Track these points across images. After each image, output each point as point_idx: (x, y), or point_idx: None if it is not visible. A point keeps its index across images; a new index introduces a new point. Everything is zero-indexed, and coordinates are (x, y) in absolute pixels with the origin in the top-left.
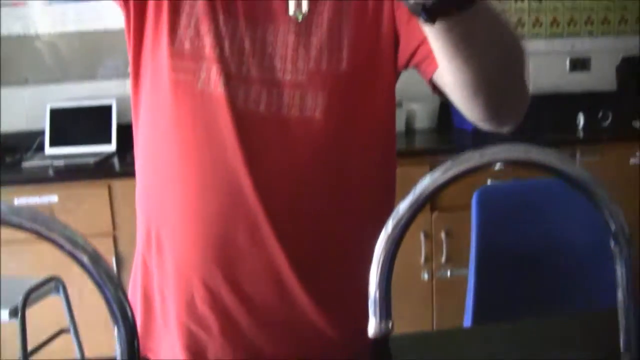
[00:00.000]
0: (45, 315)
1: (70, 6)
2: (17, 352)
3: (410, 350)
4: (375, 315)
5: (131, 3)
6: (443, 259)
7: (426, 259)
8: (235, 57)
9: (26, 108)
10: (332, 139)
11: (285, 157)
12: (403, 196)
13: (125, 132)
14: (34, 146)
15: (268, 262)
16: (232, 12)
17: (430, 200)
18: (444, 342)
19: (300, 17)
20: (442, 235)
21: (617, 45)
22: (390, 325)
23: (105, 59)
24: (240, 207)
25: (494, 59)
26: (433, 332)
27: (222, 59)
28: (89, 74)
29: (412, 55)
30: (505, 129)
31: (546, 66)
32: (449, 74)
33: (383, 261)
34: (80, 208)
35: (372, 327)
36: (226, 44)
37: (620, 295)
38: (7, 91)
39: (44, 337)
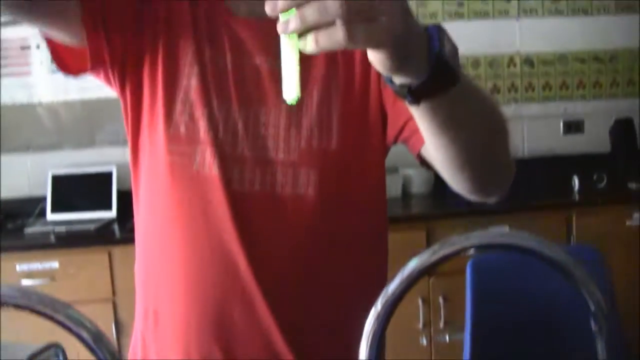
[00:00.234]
0: None
1: None
2: None
3: None
4: None
5: (127, 93)
6: (441, 323)
7: (424, 324)
8: (229, 139)
9: (28, 174)
10: (324, 214)
11: (280, 234)
12: (397, 264)
13: (126, 199)
14: (36, 212)
15: (264, 337)
16: (225, 96)
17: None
18: None
19: (293, 102)
20: (440, 300)
21: (609, 108)
22: None
23: (106, 126)
24: (236, 285)
25: (478, 134)
26: None
27: (216, 142)
28: (89, 141)
29: (400, 132)
30: (492, 200)
31: (540, 129)
32: (436, 151)
33: (372, 338)
34: (81, 274)
35: None
36: (220, 127)
37: None
38: (9, 158)
39: None
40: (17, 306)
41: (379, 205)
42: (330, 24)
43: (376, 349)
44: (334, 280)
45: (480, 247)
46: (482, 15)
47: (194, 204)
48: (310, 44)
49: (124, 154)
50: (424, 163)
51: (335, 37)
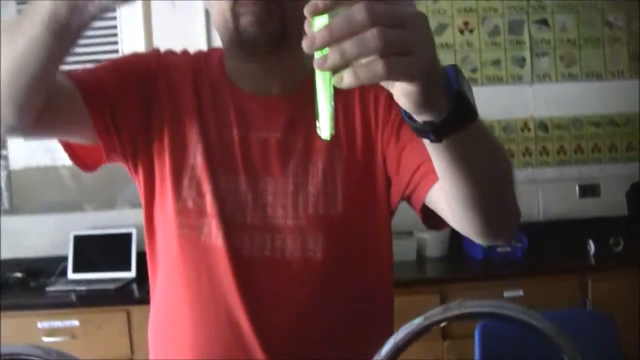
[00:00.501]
0: None
1: None
2: None
3: None
4: None
5: (140, 175)
6: None
7: None
8: (236, 209)
9: (51, 234)
10: (331, 276)
11: (285, 297)
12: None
13: (145, 260)
14: (58, 271)
15: None
16: (232, 168)
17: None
18: None
19: (329, 138)
20: None
21: (625, 172)
22: None
23: (126, 189)
24: (241, 350)
25: (491, 171)
26: None
27: (222, 214)
28: (110, 203)
29: (403, 191)
30: (499, 242)
31: (556, 193)
32: (451, 188)
33: None
34: (100, 332)
35: None
36: (227, 199)
37: None
38: (33, 218)
39: None
40: None
41: (384, 266)
42: (367, 57)
43: None
44: (340, 342)
45: (465, 316)
46: (496, 80)
47: (202, 273)
48: (349, 78)
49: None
50: (425, 220)
51: (374, 70)
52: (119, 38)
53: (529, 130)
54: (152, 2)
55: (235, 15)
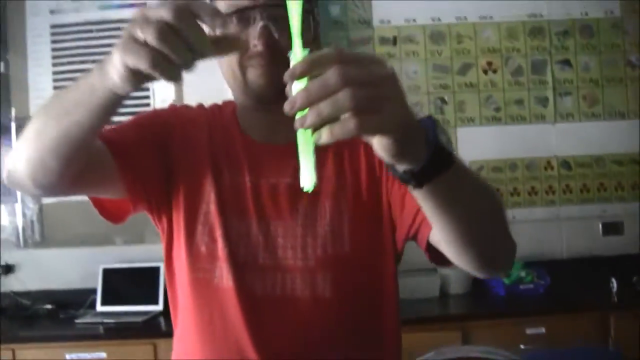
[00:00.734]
0: None
1: None
2: None
3: None
4: None
5: (163, 223)
6: None
7: None
8: (248, 252)
9: (81, 267)
10: (340, 314)
11: (295, 335)
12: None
13: None
14: (87, 303)
15: None
16: (243, 213)
17: None
18: None
19: (311, 189)
20: None
21: None
22: None
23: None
24: None
25: (478, 211)
26: None
27: (234, 257)
28: (139, 238)
29: (408, 231)
30: (496, 275)
31: (579, 231)
32: (441, 231)
33: None
34: None
35: None
36: (238, 243)
37: None
38: (64, 251)
39: None
40: None
41: (390, 304)
42: (341, 115)
43: None
44: None
45: None
46: (519, 120)
47: (214, 314)
48: (326, 135)
49: None
50: (431, 257)
51: (348, 127)
52: (150, 92)
53: (552, 168)
54: None
55: (242, 68)
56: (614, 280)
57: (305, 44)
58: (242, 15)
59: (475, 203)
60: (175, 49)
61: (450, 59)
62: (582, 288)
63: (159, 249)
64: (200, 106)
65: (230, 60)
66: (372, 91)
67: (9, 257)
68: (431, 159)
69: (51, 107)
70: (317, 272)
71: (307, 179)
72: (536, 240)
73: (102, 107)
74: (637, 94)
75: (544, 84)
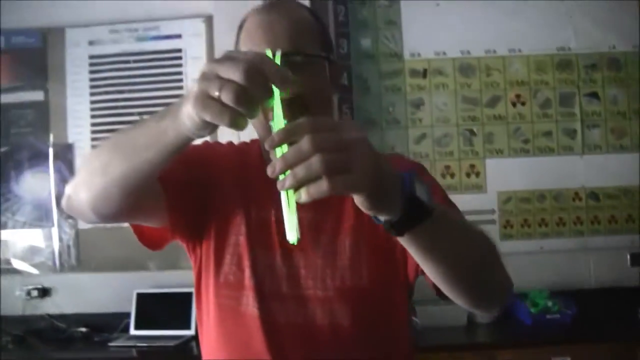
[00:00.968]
0: None
1: None
2: None
3: None
4: None
5: (196, 252)
6: None
7: None
8: (273, 282)
9: (115, 292)
10: (356, 341)
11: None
12: None
13: None
14: (120, 327)
15: None
16: (269, 246)
17: None
18: None
19: (295, 242)
20: None
21: None
22: None
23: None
24: None
25: (463, 257)
26: None
27: (259, 286)
28: (172, 264)
29: (417, 269)
30: (489, 312)
31: (607, 261)
32: (429, 273)
33: None
34: None
35: None
36: (264, 273)
37: None
38: (99, 276)
39: None
40: None
41: (403, 331)
42: (316, 178)
43: None
44: None
45: None
46: (547, 151)
47: (239, 337)
48: (304, 195)
49: None
50: (438, 292)
51: (321, 188)
52: None
53: (580, 199)
54: None
55: (264, 110)
56: None
57: (321, 87)
58: None
59: (459, 248)
60: (249, 110)
61: (480, 92)
62: (609, 318)
63: (191, 274)
64: (231, 144)
65: None
66: (341, 155)
67: (45, 281)
68: (407, 211)
69: (119, 144)
70: (335, 302)
71: (292, 234)
72: (564, 270)
73: (174, 147)
74: None
75: (572, 116)
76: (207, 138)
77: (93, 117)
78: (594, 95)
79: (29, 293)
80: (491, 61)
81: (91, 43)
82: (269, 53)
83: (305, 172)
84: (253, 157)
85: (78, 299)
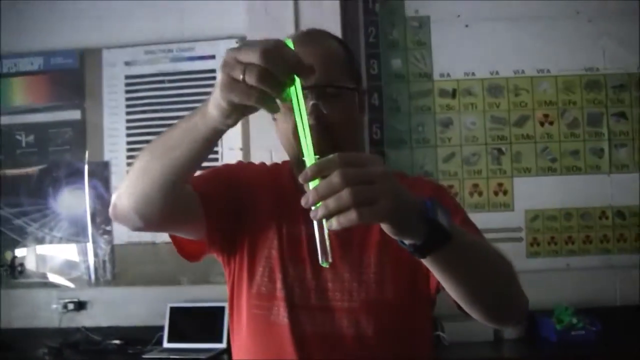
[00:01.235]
0: None
1: None
2: None
3: None
4: None
5: (230, 265)
6: None
7: None
8: (303, 294)
9: (149, 305)
10: (380, 351)
11: None
12: None
13: None
14: (154, 340)
15: None
16: (299, 260)
17: None
18: None
19: (326, 265)
20: None
21: None
22: None
23: (219, 266)
24: None
25: (481, 277)
26: None
27: (289, 298)
28: (204, 278)
29: (438, 285)
30: (506, 328)
31: (632, 279)
32: (450, 292)
33: None
34: None
35: None
36: (294, 286)
37: None
38: (133, 290)
39: None
40: None
41: (426, 342)
42: (346, 209)
43: None
44: None
45: None
46: (575, 170)
47: (269, 346)
48: (335, 224)
49: None
50: (459, 307)
51: (350, 217)
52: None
53: (606, 218)
54: None
55: (296, 137)
56: None
57: (350, 116)
58: None
59: (478, 269)
60: (272, 87)
61: (508, 111)
62: (634, 335)
63: (223, 289)
64: (263, 164)
65: (286, 130)
66: (370, 187)
67: (81, 295)
68: (429, 235)
69: (154, 147)
70: (361, 313)
71: (324, 257)
72: (589, 287)
73: (204, 142)
74: None
75: (599, 135)
76: (241, 159)
77: (129, 135)
78: (622, 115)
79: (65, 306)
80: (519, 81)
81: (127, 63)
82: (289, 42)
83: (336, 204)
84: (284, 176)
85: (113, 312)
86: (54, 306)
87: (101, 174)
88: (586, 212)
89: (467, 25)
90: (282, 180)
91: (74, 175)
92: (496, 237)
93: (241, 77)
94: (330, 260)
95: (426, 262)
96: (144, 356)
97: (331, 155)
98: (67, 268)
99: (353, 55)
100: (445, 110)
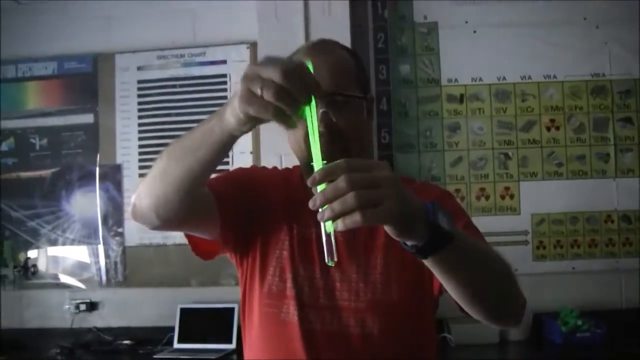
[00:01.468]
0: None
1: None
2: None
3: None
4: None
5: (242, 266)
6: None
7: None
8: (311, 293)
9: (159, 307)
10: (385, 349)
11: None
12: None
13: None
14: (164, 341)
15: None
16: (309, 261)
17: None
18: None
19: (332, 264)
20: None
21: None
22: None
23: (229, 267)
24: None
25: (480, 277)
26: None
27: (299, 296)
28: (214, 280)
29: (441, 286)
30: (509, 327)
31: (637, 282)
32: (451, 291)
33: None
34: None
35: None
36: (304, 285)
37: None
38: (144, 291)
39: None
40: None
41: (431, 340)
42: (351, 211)
43: None
44: None
45: None
46: (581, 175)
47: (279, 343)
48: (340, 225)
49: None
50: (461, 309)
51: (355, 219)
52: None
53: (612, 222)
54: None
55: (307, 144)
56: None
57: (359, 124)
58: None
59: (478, 270)
60: (288, 104)
61: (515, 116)
62: (639, 338)
63: (232, 290)
64: (275, 168)
65: (297, 137)
66: (372, 192)
67: (93, 295)
68: (431, 238)
69: (172, 150)
70: (367, 312)
71: (330, 257)
72: (595, 290)
73: (220, 146)
74: None
75: (605, 140)
76: (252, 162)
77: (141, 139)
78: (628, 120)
79: (77, 307)
80: (526, 87)
81: (140, 68)
82: (310, 65)
83: (342, 207)
84: (295, 180)
85: (124, 313)
86: (66, 307)
87: (113, 176)
88: (592, 216)
89: (474, 31)
90: (293, 183)
91: (87, 178)
92: (503, 240)
93: (259, 91)
94: (335, 259)
95: (428, 263)
96: (154, 356)
97: (338, 161)
98: (79, 269)
99: (362, 65)
100: (453, 115)
